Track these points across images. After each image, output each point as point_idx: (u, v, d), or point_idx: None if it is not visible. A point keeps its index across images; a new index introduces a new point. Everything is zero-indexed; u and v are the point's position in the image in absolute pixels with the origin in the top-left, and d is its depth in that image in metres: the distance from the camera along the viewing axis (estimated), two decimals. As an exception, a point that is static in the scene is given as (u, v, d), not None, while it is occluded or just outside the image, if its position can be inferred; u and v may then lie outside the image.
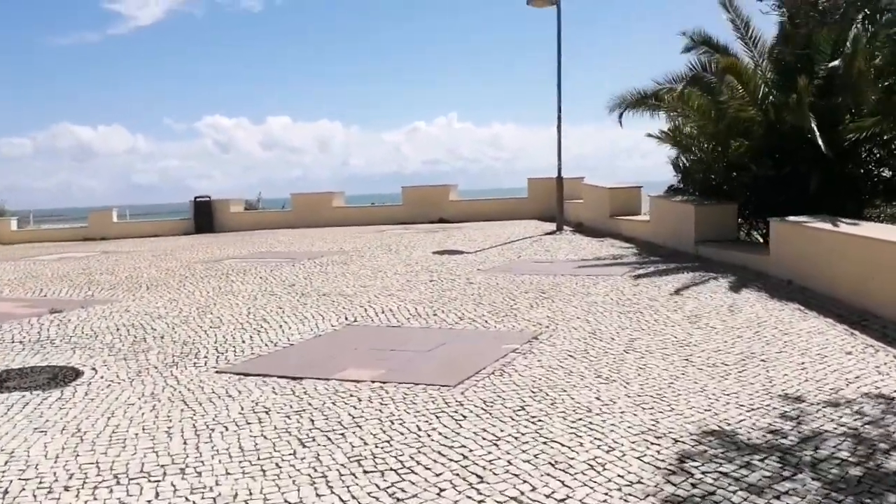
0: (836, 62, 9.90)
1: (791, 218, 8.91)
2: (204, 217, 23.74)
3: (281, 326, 7.68)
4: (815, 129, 9.14)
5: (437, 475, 3.71)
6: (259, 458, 4.03)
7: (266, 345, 6.92)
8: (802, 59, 10.34)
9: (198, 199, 24.08)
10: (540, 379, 5.32)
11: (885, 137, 9.72)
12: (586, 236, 15.32)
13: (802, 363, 5.55)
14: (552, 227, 17.15)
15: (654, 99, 12.63)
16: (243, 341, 7.08)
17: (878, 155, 10.36)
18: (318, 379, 5.61)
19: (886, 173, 10.33)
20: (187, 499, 3.55)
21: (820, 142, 9.19)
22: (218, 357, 6.52)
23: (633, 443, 4.05)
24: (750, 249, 10.16)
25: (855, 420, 4.31)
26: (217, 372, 6.03)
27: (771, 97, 10.51)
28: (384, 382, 5.41)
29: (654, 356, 5.85)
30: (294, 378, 5.68)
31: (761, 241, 11.68)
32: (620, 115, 13.25)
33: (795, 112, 9.52)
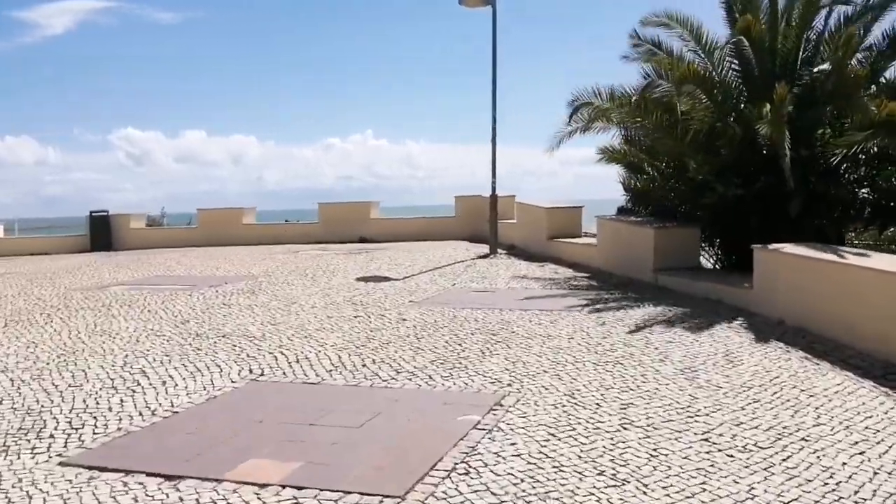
0: (824, 66, 8.92)
1: (780, 246, 7.75)
2: (101, 233, 21.15)
3: (164, 383, 5.88)
4: (788, 145, 8.05)
5: None
6: None
7: (140, 413, 5.13)
8: (780, 63, 9.35)
9: (94, 214, 21.44)
10: (522, 481, 3.76)
11: (871, 153, 8.76)
12: (523, 260, 13.99)
13: (855, 443, 4.22)
14: (484, 249, 15.76)
15: (602, 113, 11.42)
16: (110, 408, 5.25)
17: (860, 173, 9.42)
18: (205, 479, 3.89)
19: (865, 193, 9.38)
20: None
21: (787, 156, 8.10)
22: (69, 436, 4.70)
23: None
24: (723, 280, 8.98)
25: None
26: (61, 464, 4.22)
27: (742, 108, 9.42)
28: (299, 488, 3.73)
29: (662, 434, 4.40)
30: (170, 477, 3.94)
31: (720, 267, 10.60)
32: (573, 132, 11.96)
33: (770, 124, 8.42)
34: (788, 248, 7.67)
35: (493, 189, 15.64)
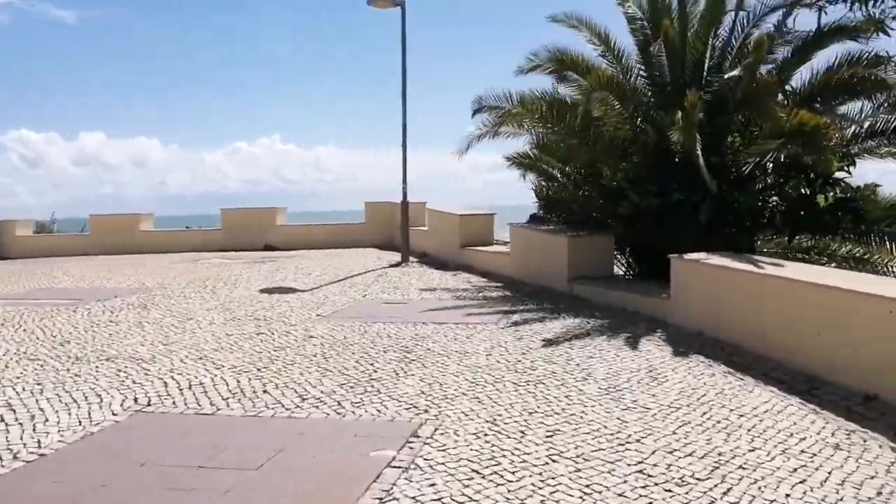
0: (734, 73, 8.93)
1: (696, 256, 7.64)
2: (-16, 241, 19.41)
3: (33, 418, 5.11)
4: (700, 152, 7.98)
5: None
6: None
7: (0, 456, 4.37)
8: (690, 70, 9.32)
9: (-26, 220, 19.66)
10: (446, 532, 3.30)
11: (780, 161, 8.82)
12: (436, 269, 13.61)
13: (795, 470, 3.99)
14: (396, 257, 15.31)
15: (511, 118, 11.15)
16: (-41, 453, 4.45)
17: (769, 181, 9.49)
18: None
19: (774, 201, 9.46)
20: None
21: (702, 164, 8.04)
22: None
23: None
24: (639, 290, 8.83)
25: None
26: None
27: (654, 114, 9.34)
28: (181, 556, 3.14)
29: (593, 467, 4.03)
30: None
31: (635, 276, 10.52)
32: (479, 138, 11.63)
33: (682, 131, 8.34)
34: (704, 257, 7.57)
35: (405, 195, 15.20)
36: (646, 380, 5.78)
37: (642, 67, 10.13)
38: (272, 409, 5.20)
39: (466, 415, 4.95)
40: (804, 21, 9.41)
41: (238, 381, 5.91)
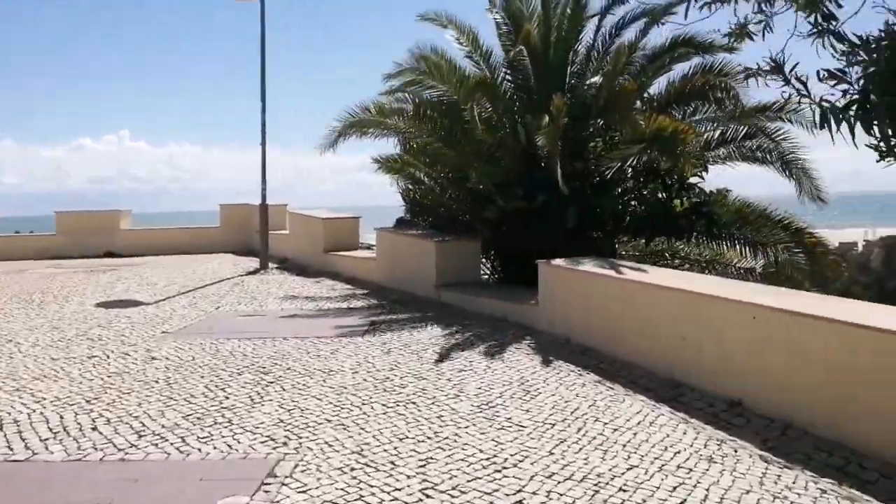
0: (596, 79, 8.99)
1: (562, 261, 7.56)
2: None
3: None
4: (559, 158, 7.96)
5: None
6: None
7: None
8: (556, 75, 9.30)
9: None
10: None
11: (639, 166, 8.98)
12: (297, 276, 12.97)
13: (674, 489, 3.85)
14: (254, 263, 14.46)
15: (381, 118, 10.76)
16: None
17: (628, 185, 9.65)
18: None
19: (633, 205, 9.63)
20: None
21: (558, 169, 8.03)
22: None
23: None
24: (508, 296, 8.68)
25: None
26: None
27: (521, 119, 9.24)
28: None
29: (470, 499, 3.70)
30: None
31: (502, 282, 10.42)
32: (334, 143, 11.12)
33: (546, 136, 8.29)
34: (571, 263, 7.51)
35: (264, 197, 14.39)
36: (519, 394, 5.55)
37: (509, 71, 10.05)
38: (101, 450, 4.47)
39: (331, 445, 4.48)
40: (670, 30, 9.64)
41: (62, 417, 5.10)
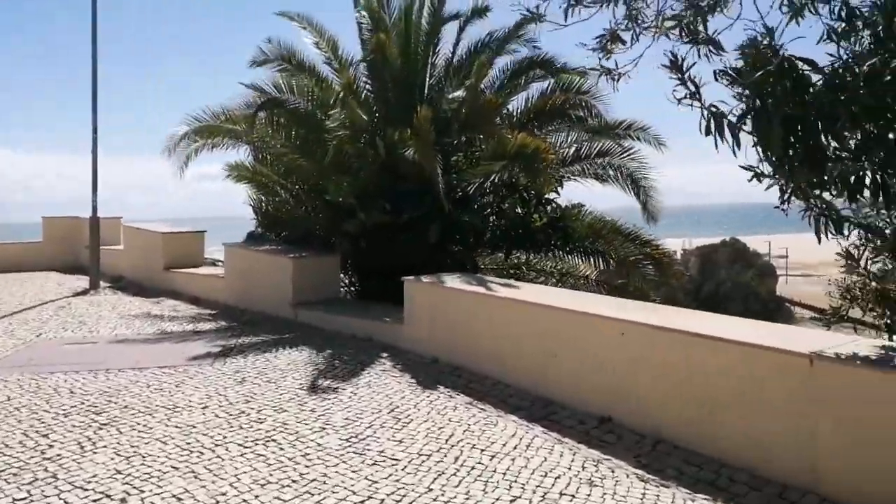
0: (458, 93, 8.87)
1: (428, 277, 7.33)
2: None
3: None
4: (440, 170, 7.78)
5: None
6: None
7: None
8: (419, 87, 9.09)
9: None
10: None
11: (499, 182, 8.96)
12: (134, 296, 11.85)
13: (559, 520, 3.69)
14: (83, 283, 13.10)
15: (231, 125, 10.08)
16: None
17: (488, 200, 9.60)
18: None
19: (493, 220, 9.60)
20: None
21: (440, 181, 7.85)
22: None
23: None
24: (371, 314, 8.30)
25: None
26: None
27: (381, 131, 8.93)
28: None
29: (347, 553, 3.33)
30: None
31: (363, 298, 10.04)
32: (177, 150, 10.31)
33: (419, 149, 8.06)
34: (436, 279, 7.31)
35: (94, 208, 13.09)
36: (389, 422, 5.21)
37: (369, 81, 9.73)
38: None
39: (180, 499, 3.92)
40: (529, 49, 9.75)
41: None
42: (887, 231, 3.78)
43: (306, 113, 9.49)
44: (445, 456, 4.57)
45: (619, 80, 4.07)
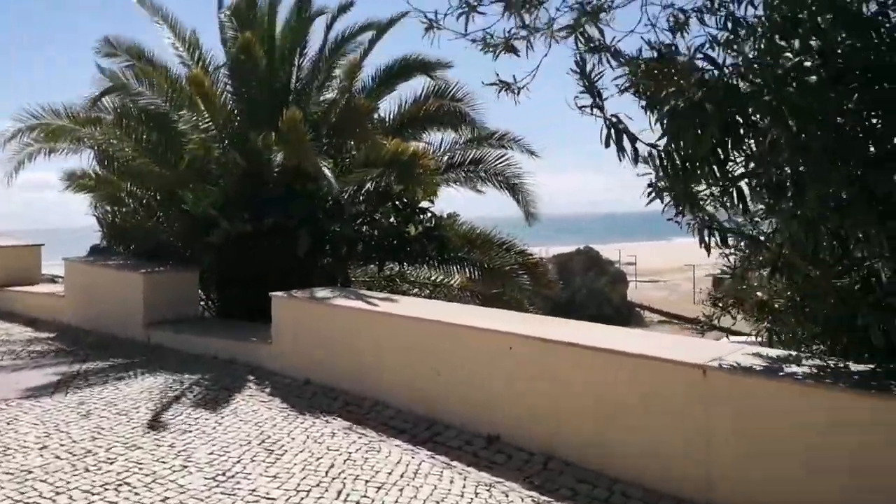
0: (329, 95, 8.41)
1: (299, 292, 6.85)
2: None
3: None
4: (329, 173, 7.28)
5: None
6: None
7: None
8: (282, 88, 8.55)
9: None
10: None
11: (371, 190, 8.61)
12: (-44, 318, 10.41)
13: (457, 557, 3.40)
14: None
15: (67, 132, 9.07)
16: None
17: (360, 209, 9.18)
18: None
19: (366, 230, 9.19)
20: None
21: (334, 183, 7.37)
22: None
23: None
24: (235, 333, 7.67)
25: None
26: None
27: (245, 134, 8.32)
28: None
29: None
30: None
31: (224, 317, 9.33)
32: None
33: (292, 151, 7.54)
34: (308, 293, 6.85)
35: None
36: (261, 455, 4.73)
37: (231, 82, 9.09)
38: None
39: (7, 567, 3.27)
40: (399, 48, 9.45)
41: None
42: (769, 245, 3.82)
43: (159, 114, 8.70)
44: (327, 490, 4.16)
45: (518, 93, 3.87)
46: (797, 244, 3.33)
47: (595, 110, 3.30)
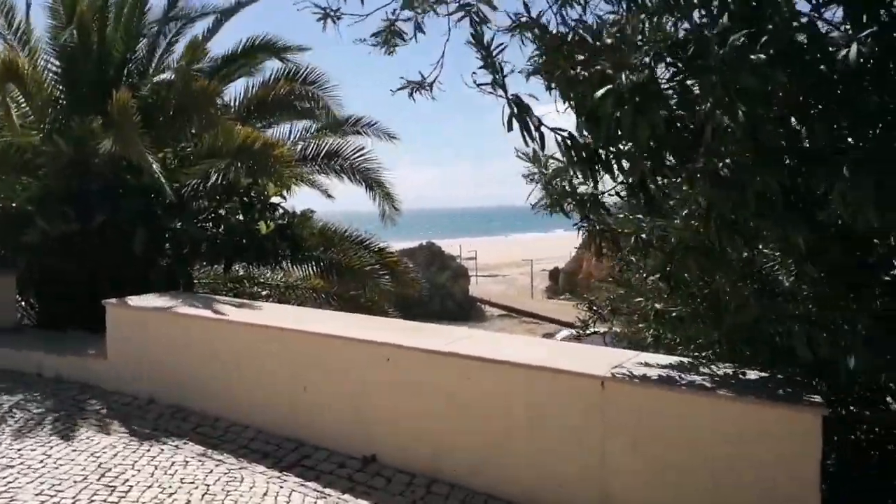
0: (166, 75, 7.51)
1: (138, 300, 6.07)
2: None
3: None
4: (157, 167, 6.44)
5: None
6: None
7: None
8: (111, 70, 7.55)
9: None
10: None
11: (220, 183, 7.83)
12: None
13: None
14: None
15: None
16: None
17: (204, 204, 8.34)
18: None
19: (210, 227, 8.36)
20: None
21: (162, 179, 6.54)
22: None
23: None
24: (61, 346, 6.63)
25: None
26: None
27: (66, 120, 7.27)
28: None
29: None
30: None
31: (47, 326, 8.16)
32: None
33: (120, 139, 6.63)
34: (147, 300, 6.09)
35: None
36: (102, 493, 4.05)
37: (56, 61, 7.92)
38: None
39: None
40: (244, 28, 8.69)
41: None
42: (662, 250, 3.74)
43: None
44: (183, 533, 3.61)
45: (431, 89, 3.49)
46: (698, 247, 3.26)
47: (496, 88, 2.99)
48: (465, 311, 42.67)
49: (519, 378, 4.01)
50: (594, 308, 5.51)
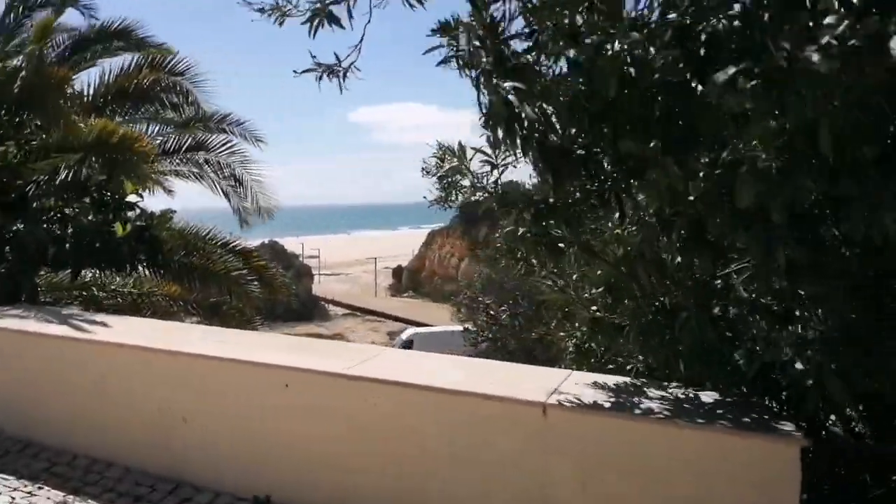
0: (14, 61, 6.47)
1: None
2: None
3: None
4: None
5: None
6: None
7: None
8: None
9: None
10: None
11: (67, 180, 6.88)
12: None
13: None
14: None
15: None
16: None
17: (49, 204, 7.27)
18: None
19: (56, 229, 7.30)
20: None
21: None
22: None
23: None
24: None
25: None
26: None
27: None
28: None
29: None
30: None
31: None
32: None
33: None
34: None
35: None
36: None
37: None
38: None
39: None
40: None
41: None
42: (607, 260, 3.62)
43: None
44: None
45: (345, 76, 3.11)
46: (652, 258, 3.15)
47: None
48: (309, 310, 41.72)
49: (445, 405, 3.61)
50: (467, 305, 5.37)
